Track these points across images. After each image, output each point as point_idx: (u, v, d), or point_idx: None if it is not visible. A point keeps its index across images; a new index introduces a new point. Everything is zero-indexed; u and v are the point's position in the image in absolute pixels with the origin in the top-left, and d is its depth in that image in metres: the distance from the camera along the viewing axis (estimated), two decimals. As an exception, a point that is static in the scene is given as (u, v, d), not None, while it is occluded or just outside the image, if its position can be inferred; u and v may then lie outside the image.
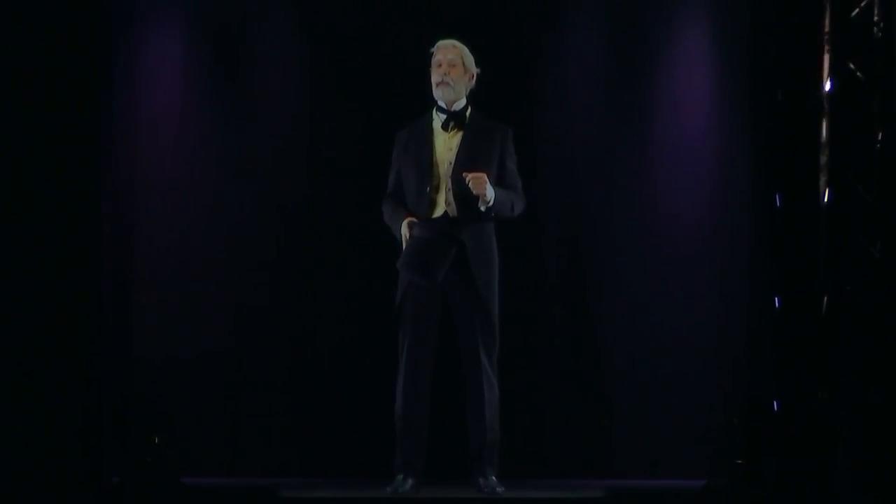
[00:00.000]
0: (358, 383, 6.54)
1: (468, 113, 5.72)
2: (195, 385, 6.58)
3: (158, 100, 6.66)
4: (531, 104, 6.76)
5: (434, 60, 5.71)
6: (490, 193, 5.53)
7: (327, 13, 6.78)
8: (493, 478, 5.60)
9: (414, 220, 5.57)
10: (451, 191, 5.59)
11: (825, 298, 5.91)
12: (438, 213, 5.61)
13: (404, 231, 5.57)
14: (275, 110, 6.77)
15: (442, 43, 5.73)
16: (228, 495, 5.80)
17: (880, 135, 5.81)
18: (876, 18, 5.86)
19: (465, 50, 5.72)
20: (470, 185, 5.50)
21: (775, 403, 6.11)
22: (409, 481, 5.58)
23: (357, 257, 6.58)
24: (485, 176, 5.51)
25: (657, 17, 6.78)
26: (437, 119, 5.72)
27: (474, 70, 5.72)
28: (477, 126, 5.67)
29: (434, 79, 5.69)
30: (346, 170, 6.66)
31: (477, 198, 5.53)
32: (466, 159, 5.60)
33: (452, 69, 5.67)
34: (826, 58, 6.00)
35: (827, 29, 6.00)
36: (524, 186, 5.81)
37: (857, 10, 5.95)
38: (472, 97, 5.75)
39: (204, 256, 6.66)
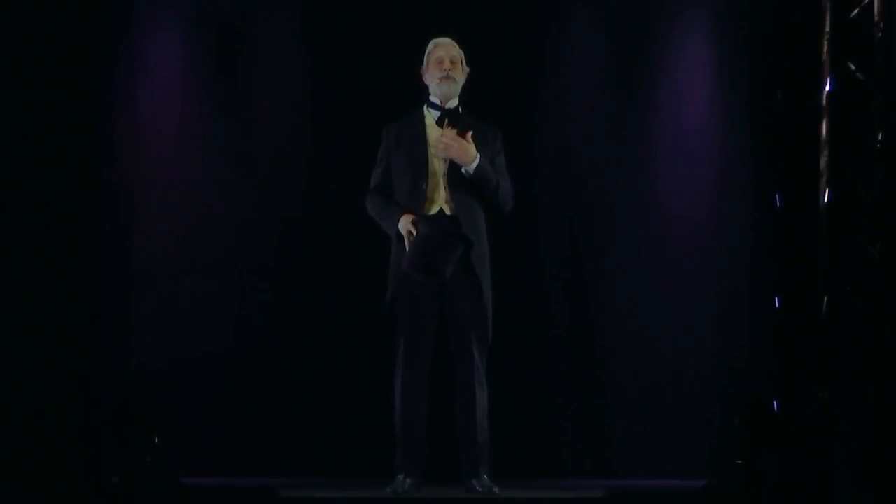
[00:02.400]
0: (358, 383, 6.54)
1: (460, 111, 5.73)
2: (195, 385, 6.58)
3: (158, 100, 6.67)
4: (531, 104, 6.77)
5: (434, 57, 5.72)
6: (472, 155, 5.52)
7: (327, 13, 6.78)
8: (486, 477, 5.58)
9: (414, 216, 5.56)
10: (448, 188, 5.59)
11: (825, 298, 5.91)
12: (434, 210, 5.60)
13: (406, 227, 5.55)
14: (275, 110, 6.77)
15: (440, 40, 5.76)
16: (228, 495, 5.80)
17: (880, 135, 5.80)
18: (876, 18, 5.85)
19: (460, 49, 5.75)
20: (440, 150, 5.53)
21: (775, 403, 6.11)
22: (410, 481, 5.57)
23: (357, 257, 6.57)
24: (455, 134, 5.52)
25: (657, 17, 6.78)
26: (430, 115, 5.72)
27: (467, 69, 5.76)
28: (470, 123, 5.66)
29: (437, 74, 5.70)
30: (346, 170, 6.66)
31: (472, 180, 5.53)
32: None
33: (455, 66, 5.71)
34: (826, 58, 6.00)
35: (827, 29, 6.00)
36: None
37: (857, 10, 5.95)
38: (463, 96, 5.76)
39: (204, 257, 6.66)
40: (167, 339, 6.58)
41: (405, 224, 5.55)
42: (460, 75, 5.72)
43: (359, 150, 6.50)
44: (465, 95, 5.77)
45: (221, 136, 6.74)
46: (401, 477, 5.60)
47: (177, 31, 6.74)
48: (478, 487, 5.54)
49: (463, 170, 5.55)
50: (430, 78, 5.73)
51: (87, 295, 5.63)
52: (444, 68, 5.69)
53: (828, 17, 6.00)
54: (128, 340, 6.50)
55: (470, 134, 5.56)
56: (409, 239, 5.53)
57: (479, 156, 5.55)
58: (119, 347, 6.37)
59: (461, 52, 5.75)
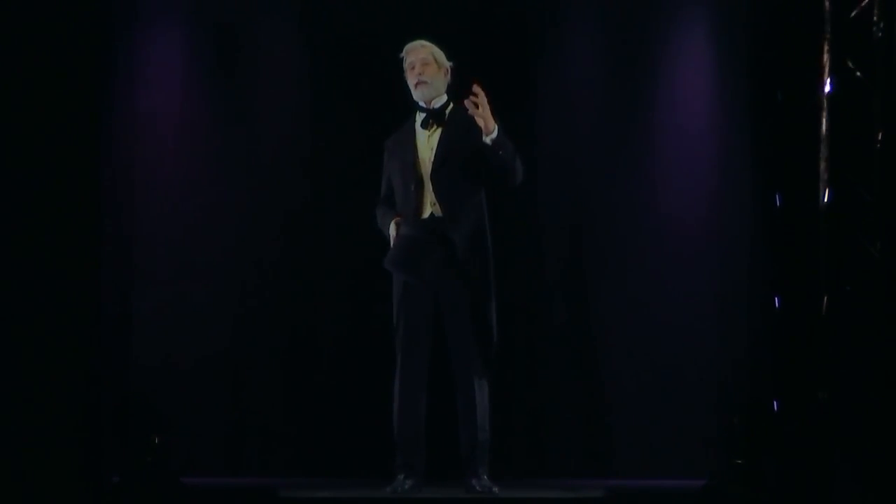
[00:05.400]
0: (358, 384, 6.55)
1: (448, 109, 5.70)
2: (195, 385, 6.59)
3: (158, 99, 6.67)
4: (531, 103, 6.77)
5: (407, 64, 5.69)
6: (491, 123, 5.46)
7: (327, 14, 6.78)
8: (486, 477, 5.57)
9: (401, 219, 5.59)
10: (434, 190, 5.58)
11: (825, 298, 5.91)
12: (426, 213, 5.59)
13: (392, 230, 5.59)
14: (275, 110, 6.78)
15: (410, 45, 5.70)
16: (228, 495, 5.80)
17: (880, 135, 5.81)
18: (876, 18, 5.86)
19: (435, 47, 5.69)
20: (469, 111, 5.45)
21: (775, 403, 6.11)
22: (409, 481, 5.57)
23: (357, 258, 6.57)
24: (481, 98, 5.44)
25: (657, 17, 6.79)
26: (418, 119, 5.72)
27: (447, 65, 5.70)
28: (456, 121, 5.64)
29: (411, 81, 5.67)
30: (346, 170, 6.67)
31: (493, 145, 5.49)
32: (445, 155, 5.59)
33: (426, 67, 5.66)
34: (826, 58, 6.00)
35: (827, 29, 6.00)
36: (525, 185, 5.80)
37: (857, 10, 5.95)
38: (453, 93, 5.74)
39: (204, 256, 6.67)
40: (167, 339, 6.59)
41: (391, 227, 5.59)
42: (434, 75, 5.65)
43: (359, 150, 6.53)
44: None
45: (221, 136, 6.74)
46: (401, 477, 5.60)
47: (177, 31, 6.75)
48: (478, 487, 5.54)
49: (486, 138, 5.50)
50: (410, 84, 5.71)
51: (87, 295, 5.62)
52: (415, 74, 5.66)
53: (828, 17, 5.99)
54: (128, 340, 6.50)
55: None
56: (392, 240, 5.57)
57: (496, 127, 5.48)
58: (119, 347, 6.37)
59: (434, 49, 5.66)
